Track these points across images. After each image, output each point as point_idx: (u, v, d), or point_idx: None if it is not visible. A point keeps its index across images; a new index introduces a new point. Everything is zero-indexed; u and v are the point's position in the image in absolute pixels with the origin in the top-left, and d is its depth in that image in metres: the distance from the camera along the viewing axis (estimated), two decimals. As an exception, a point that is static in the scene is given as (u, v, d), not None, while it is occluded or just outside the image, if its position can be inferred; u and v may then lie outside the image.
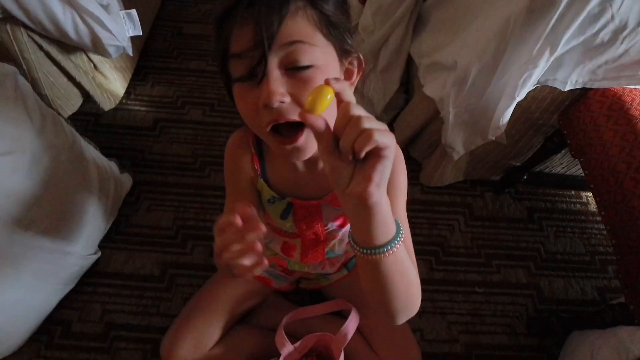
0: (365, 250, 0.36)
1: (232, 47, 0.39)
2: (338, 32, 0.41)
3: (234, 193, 0.57)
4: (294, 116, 0.39)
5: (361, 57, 0.45)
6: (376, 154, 0.31)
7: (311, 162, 0.53)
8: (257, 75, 0.38)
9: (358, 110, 0.31)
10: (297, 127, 0.41)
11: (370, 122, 0.30)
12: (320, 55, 0.40)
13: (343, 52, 0.43)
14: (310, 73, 0.39)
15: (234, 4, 0.38)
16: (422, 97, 0.90)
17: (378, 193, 0.32)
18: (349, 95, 0.33)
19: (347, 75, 0.46)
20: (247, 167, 0.56)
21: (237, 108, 0.43)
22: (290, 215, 0.59)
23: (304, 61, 0.38)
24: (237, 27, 0.37)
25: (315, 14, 0.39)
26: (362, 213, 0.34)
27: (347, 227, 0.65)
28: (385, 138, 0.30)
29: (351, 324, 0.68)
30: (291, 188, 0.56)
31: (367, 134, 0.30)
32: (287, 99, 0.38)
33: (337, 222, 0.62)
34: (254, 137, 0.55)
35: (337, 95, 0.32)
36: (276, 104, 0.38)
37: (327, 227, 0.62)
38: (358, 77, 0.47)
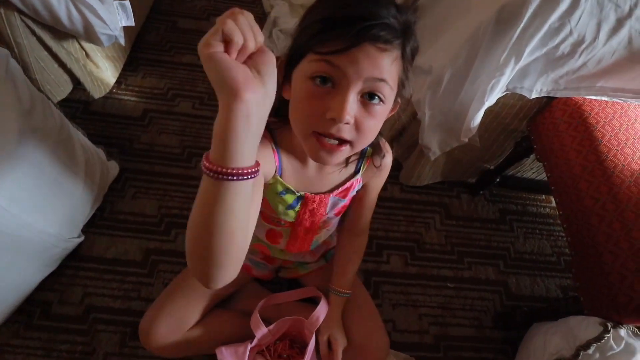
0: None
1: (328, 51, 0.41)
2: (407, 81, 0.47)
3: None
4: (348, 136, 0.44)
5: (409, 95, 0.50)
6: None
7: (320, 165, 0.59)
8: (333, 86, 0.43)
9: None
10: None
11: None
12: (389, 96, 0.45)
13: (399, 95, 0.49)
14: (378, 108, 0.44)
15: (352, 18, 0.40)
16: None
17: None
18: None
19: (393, 108, 0.51)
20: (264, 160, 0.56)
21: (296, 99, 0.46)
22: (299, 206, 0.63)
23: (378, 97, 0.43)
24: (347, 39, 0.40)
25: (403, 65, 0.45)
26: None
27: (338, 217, 0.71)
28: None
29: (321, 309, 0.72)
30: (303, 183, 0.61)
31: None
32: (352, 121, 0.43)
33: (336, 211, 0.67)
34: (270, 134, 0.57)
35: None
36: (345, 122, 0.42)
37: (326, 214, 0.66)
38: (391, 113, 0.52)
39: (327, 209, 0.65)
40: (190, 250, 0.38)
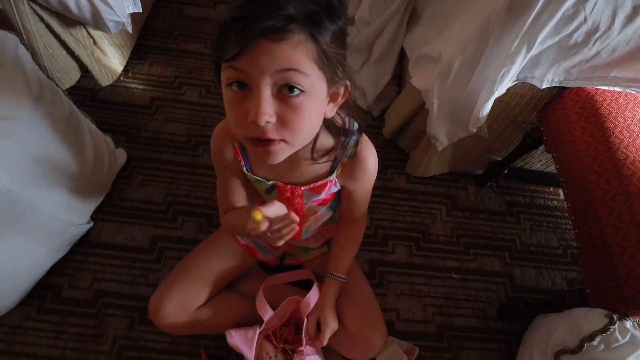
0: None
1: (229, 57, 0.40)
2: (331, 64, 0.44)
3: (223, 175, 0.65)
4: (274, 135, 0.44)
5: (348, 83, 0.48)
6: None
7: (291, 159, 0.57)
8: (250, 89, 0.42)
9: None
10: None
11: None
12: (311, 84, 0.43)
13: (332, 81, 0.46)
14: (299, 99, 0.42)
15: (239, 18, 0.39)
16: (411, 88, 0.94)
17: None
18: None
19: (333, 97, 0.49)
20: (231, 157, 0.61)
21: (225, 108, 0.46)
22: (274, 193, 0.65)
23: (296, 88, 0.42)
24: (238, 41, 0.39)
25: (315, 48, 0.41)
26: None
27: (326, 207, 0.71)
28: None
29: (313, 295, 0.73)
30: (275, 174, 0.62)
31: None
32: (273, 120, 0.42)
33: (317, 202, 0.67)
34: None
35: None
36: (262, 123, 0.41)
37: (306, 203, 0.66)
38: (342, 99, 0.50)
39: (304, 200, 0.65)
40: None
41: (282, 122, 0.43)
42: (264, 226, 0.44)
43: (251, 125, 0.42)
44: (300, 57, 0.40)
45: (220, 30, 0.42)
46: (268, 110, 0.41)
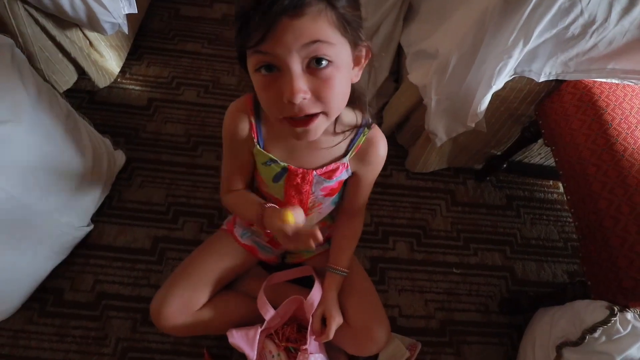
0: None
1: (254, 43, 0.41)
2: (352, 28, 0.44)
3: (231, 156, 0.65)
4: (313, 110, 0.44)
5: (369, 44, 0.49)
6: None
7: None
8: (279, 70, 0.42)
9: None
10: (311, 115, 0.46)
11: None
12: (337, 52, 0.43)
13: (355, 45, 0.47)
14: (328, 71, 0.43)
15: (256, 3, 0.40)
16: (408, 84, 0.94)
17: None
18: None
19: (356, 61, 0.50)
20: (245, 133, 0.61)
21: (257, 93, 0.47)
22: (282, 180, 0.64)
23: (323, 59, 0.42)
24: (261, 25, 0.40)
25: (335, 14, 0.42)
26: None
27: (331, 199, 0.72)
28: None
29: (316, 293, 0.73)
30: (287, 155, 0.62)
31: None
32: (308, 95, 0.43)
33: (324, 192, 0.68)
34: (252, 105, 0.60)
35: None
36: (299, 101, 0.42)
37: (313, 193, 0.67)
38: (365, 62, 0.51)
39: (312, 188, 0.65)
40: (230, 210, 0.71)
41: (317, 95, 0.44)
42: (291, 229, 0.44)
43: (287, 105, 0.43)
44: (322, 27, 0.41)
45: (240, 20, 0.42)
46: (302, 87, 0.42)
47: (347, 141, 0.62)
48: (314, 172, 0.63)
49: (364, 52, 0.50)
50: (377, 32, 1.04)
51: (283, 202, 0.68)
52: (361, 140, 0.62)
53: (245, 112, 0.60)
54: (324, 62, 0.42)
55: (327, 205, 0.74)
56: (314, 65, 0.42)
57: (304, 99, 0.42)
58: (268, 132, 0.61)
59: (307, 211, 0.71)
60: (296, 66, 0.42)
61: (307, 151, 0.61)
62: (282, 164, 0.62)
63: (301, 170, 0.62)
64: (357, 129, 0.60)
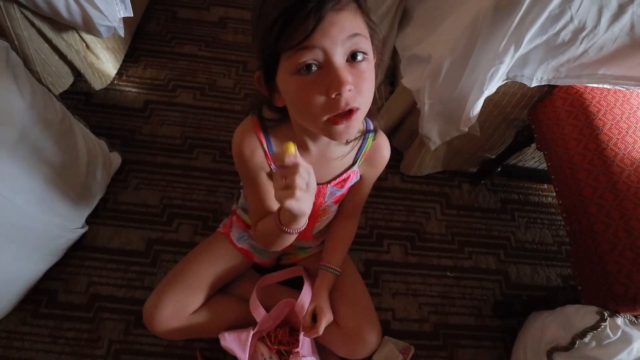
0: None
1: (301, 39, 0.42)
2: (374, 25, 0.48)
3: (255, 180, 0.62)
4: (354, 103, 0.45)
5: (381, 36, 0.51)
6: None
7: (322, 150, 0.60)
8: (320, 67, 0.43)
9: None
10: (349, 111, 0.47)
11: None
12: (369, 47, 0.46)
13: (374, 43, 0.49)
14: (363, 64, 0.45)
15: (297, 3, 0.41)
16: (403, 88, 0.94)
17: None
18: None
19: (374, 55, 0.51)
20: (262, 163, 0.60)
21: (293, 99, 0.48)
22: None
23: (360, 53, 0.44)
24: (310, 20, 0.41)
25: (364, 13, 0.46)
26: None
27: (337, 205, 0.73)
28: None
29: (306, 295, 0.74)
30: None
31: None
32: (352, 87, 0.44)
33: (334, 200, 0.69)
34: (261, 129, 0.58)
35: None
36: (347, 92, 0.43)
37: (326, 202, 0.68)
38: (378, 54, 0.52)
39: (326, 198, 0.67)
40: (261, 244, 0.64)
41: (357, 89, 0.45)
42: (290, 159, 0.42)
43: (334, 101, 0.44)
44: (359, 22, 0.45)
45: (281, 20, 0.42)
46: (348, 77, 0.43)
47: (355, 150, 0.63)
48: (328, 186, 0.64)
49: (377, 52, 0.51)
50: (372, 36, 1.04)
51: None
52: (368, 146, 0.63)
53: (255, 138, 0.58)
54: (360, 56, 0.44)
55: (334, 210, 0.76)
56: (351, 59, 0.44)
57: (349, 90, 0.43)
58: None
59: (318, 218, 0.72)
60: (341, 59, 0.43)
61: (320, 166, 0.61)
62: None
63: (316, 187, 0.63)
64: (364, 134, 0.62)
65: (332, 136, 0.48)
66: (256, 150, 0.59)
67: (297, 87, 0.45)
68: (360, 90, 0.45)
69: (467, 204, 1.15)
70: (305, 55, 0.43)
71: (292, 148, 0.42)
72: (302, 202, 0.43)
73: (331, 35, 0.42)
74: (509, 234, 1.12)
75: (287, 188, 0.42)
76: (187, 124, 1.18)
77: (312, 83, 0.44)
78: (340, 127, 0.46)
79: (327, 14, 0.41)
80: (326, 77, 0.43)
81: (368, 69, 0.46)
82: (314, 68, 0.43)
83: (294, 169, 0.42)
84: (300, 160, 0.42)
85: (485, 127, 0.93)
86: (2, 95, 0.70)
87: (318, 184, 0.63)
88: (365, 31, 0.45)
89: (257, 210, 0.63)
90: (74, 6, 0.86)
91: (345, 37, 0.42)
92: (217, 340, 0.74)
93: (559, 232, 1.14)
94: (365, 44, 0.45)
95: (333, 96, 0.43)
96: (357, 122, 0.48)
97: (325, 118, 0.46)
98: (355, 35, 0.43)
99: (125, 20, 1.02)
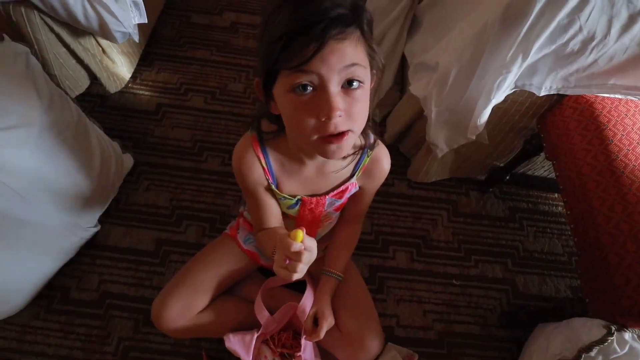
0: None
1: (299, 62, 0.43)
2: (375, 53, 0.49)
3: (255, 194, 0.65)
4: (345, 127, 0.46)
5: (381, 64, 0.52)
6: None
7: (319, 164, 0.62)
8: (314, 89, 0.45)
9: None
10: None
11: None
12: (366, 75, 0.47)
13: (373, 68, 0.50)
14: (358, 91, 0.46)
15: (308, 27, 0.42)
16: (410, 95, 0.95)
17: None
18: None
19: (372, 81, 0.52)
20: (260, 178, 0.62)
21: (287, 116, 0.49)
22: (298, 207, 0.67)
23: (356, 81, 0.46)
24: (311, 46, 0.42)
25: (366, 43, 0.47)
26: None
27: (338, 212, 0.75)
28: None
29: (307, 299, 0.74)
30: (300, 187, 0.64)
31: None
32: (343, 114, 0.45)
33: (335, 208, 0.71)
34: (259, 145, 0.60)
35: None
36: (337, 118, 0.45)
37: (326, 211, 0.70)
38: (373, 85, 0.53)
39: (325, 207, 0.68)
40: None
41: (348, 114, 0.46)
42: (298, 247, 0.45)
43: (324, 124, 0.45)
44: (360, 51, 0.46)
45: (284, 39, 0.43)
46: (340, 105, 0.44)
47: (353, 163, 0.64)
48: (326, 197, 0.66)
49: (375, 76, 0.52)
50: (381, 42, 1.05)
51: (298, 219, 0.71)
52: (366, 160, 0.65)
53: (253, 154, 0.60)
54: (356, 84, 0.46)
55: (336, 216, 0.77)
56: (346, 86, 0.45)
57: (340, 116, 0.45)
58: (279, 170, 0.62)
59: (320, 225, 0.74)
60: (335, 86, 0.44)
61: (318, 179, 0.64)
62: (295, 199, 0.65)
63: (315, 198, 0.66)
64: (362, 150, 0.63)
65: (324, 155, 0.50)
66: (254, 166, 0.61)
67: (291, 105, 0.47)
68: (351, 115, 0.46)
69: (475, 211, 1.14)
70: (302, 77, 0.44)
71: (300, 236, 0.44)
72: (299, 275, 0.48)
73: (329, 63, 0.43)
74: (517, 243, 1.10)
75: (288, 268, 0.46)
76: (197, 127, 1.21)
77: (305, 104, 0.45)
78: (332, 146, 0.48)
79: (329, 41, 0.42)
80: (319, 100, 0.45)
81: (362, 95, 0.47)
82: (309, 89, 0.45)
83: (298, 255, 0.45)
84: (306, 239, 0.46)
85: (494, 135, 0.93)
86: (21, 98, 0.73)
87: (316, 195, 0.66)
88: (364, 60, 0.46)
89: (257, 220, 0.67)
90: (91, 13, 0.89)
91: (343, 66, 0.44)
92: (223, 341, 0.75)
93: (569, 242, 1.12)
94: (362, 73, 0.46)
95: (323, 119, 0.45)
96: (349, 143, 0.49)
97: (315, 137, 0.47)
98: (354, 65, 0.44)
99: (140, 24, 1.05)
